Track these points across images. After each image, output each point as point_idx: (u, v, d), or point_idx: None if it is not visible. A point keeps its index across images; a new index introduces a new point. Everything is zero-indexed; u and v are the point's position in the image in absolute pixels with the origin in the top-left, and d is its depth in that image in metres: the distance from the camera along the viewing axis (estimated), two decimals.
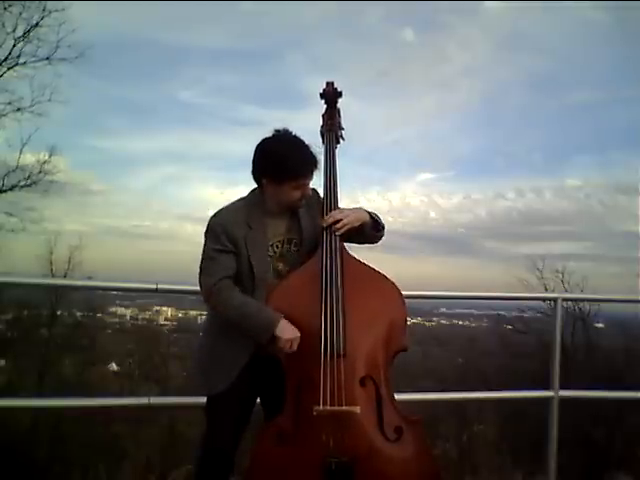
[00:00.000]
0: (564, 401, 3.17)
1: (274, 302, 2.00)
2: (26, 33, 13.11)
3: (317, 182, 2.19)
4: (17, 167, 13.75)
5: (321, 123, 2.31)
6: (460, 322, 26.58)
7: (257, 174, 2.07)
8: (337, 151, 2.26)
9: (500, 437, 13.87)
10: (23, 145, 13.85)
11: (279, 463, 1.95)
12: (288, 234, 2.12)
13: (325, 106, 2.32)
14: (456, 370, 16.95)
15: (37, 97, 13.43)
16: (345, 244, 2.16)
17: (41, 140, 20.27)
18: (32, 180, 13.77)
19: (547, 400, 3.17)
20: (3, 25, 12.86)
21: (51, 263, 15.75)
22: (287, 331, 1.92)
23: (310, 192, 2.12)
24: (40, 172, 13.89)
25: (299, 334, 1.94)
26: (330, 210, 2.12)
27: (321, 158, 2.16)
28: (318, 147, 2.19)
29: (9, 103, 13.24)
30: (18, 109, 13.33)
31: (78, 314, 17.01)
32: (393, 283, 2.10)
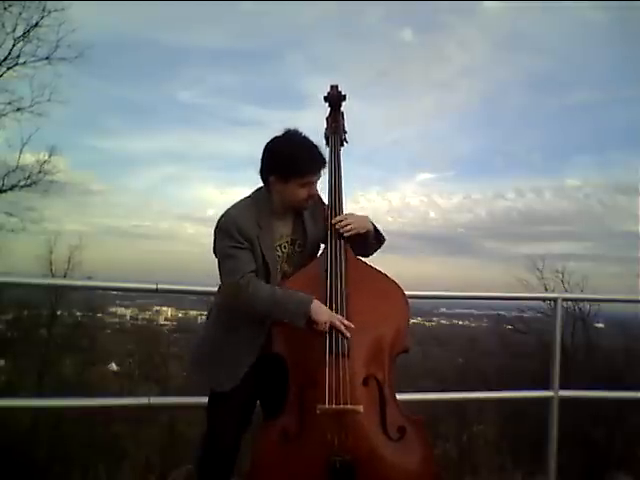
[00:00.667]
0: (564, 401, 3.17)
1: None
2: (26, 33, 13.13)
3: (322, 184, 2.21)
4: (17, 167, 13.78)
5: (325, 126, 2.32)
6: (460, 322, 26.60)
7: (264, 172, 2.07)
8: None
9: (500, 437, 13.87)
10: (23, 145, 13.88)
11: (282, 462, 1.95)
12: (293, 235, 2.14)
13: (329, 109, 2.33)
14: (456, 370, 16.95)
15: (37, 97, 13.46)
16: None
17: (41, 140, 20.30)
18: (32, 180, 13.80)
19: (547, 400, 3.17)
20: (3, 25, 12.88)
21: (51, 263, 15.79)
22: (322, 312, 1.93)
23: (317, 192, 2.12)
24: (40, 172, 13.92)
25: (337, 316, 1.94)
26: (336, 212, 2.13)
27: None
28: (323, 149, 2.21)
29: (9, 103, 13.27)
30: (18, 109, 13.36)
31: (78, 314, 17.01)
32: (397, 284, 2.11)
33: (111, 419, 12.06)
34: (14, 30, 12.94)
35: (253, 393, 2.12)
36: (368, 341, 1.99)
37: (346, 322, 1.94)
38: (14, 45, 13.09)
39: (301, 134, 2.08)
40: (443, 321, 27.18)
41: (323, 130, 2.32)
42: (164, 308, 24.31)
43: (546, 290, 14.43)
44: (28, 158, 14.27)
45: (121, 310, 23.26)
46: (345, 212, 2.16)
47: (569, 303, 12.49)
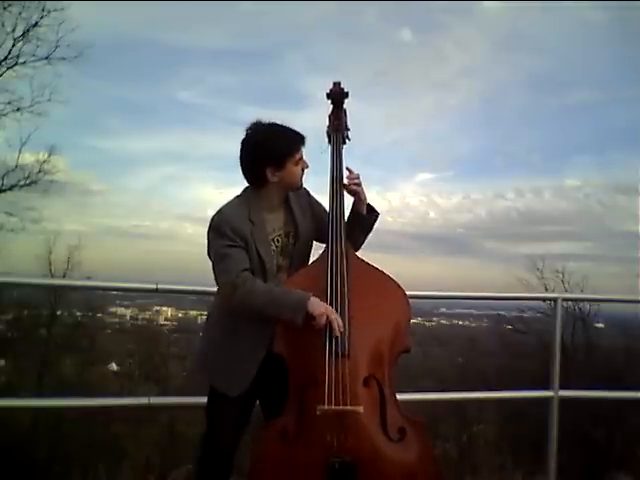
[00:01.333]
0: (564, 401, 3.16)
1: None
2: (25, 33, 13.13)
3: (323, 183, 2.20)
4: (17, 167, 13.79)
5: (327, 123, 2.30)
6: (460, 322, 26.59)
7: (257, 170, 2.07)
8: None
9: (500, 437, 13.87)
10: (22, 145, 13.88)
11: (282, 462, 1.95)
12: (286, 228, 2.14)
13: (331, 106, 2.31)
14: (456, 370, 16.94)
15: (37, 97, 13.47)
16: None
17: (41, 140, 20.24)
18: (32, 180, 13.80)
19: (547, 400, 3.16)
20: (3, 25, 12.89)
21: (50, 263, 15.77)
22: (318, 306, 1.92)
23: (308, 165, 2.13)
24: (40, 172, 13.93)
25: (332, 309, 1.94)
26: (336, 210, 2.12)
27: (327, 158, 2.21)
28: (324, 146, 2.24)
29: (9, 103, 13.27)
30: (18, 109, 13.36)
31: (78, 314, 17.00)
32: (397, 284, 2.10)
33: (111, 419, 12.05)
34: (14, 30, 12.97)
35: (253, 393, 2.11)
36: (369, 341, 1.99)
37: (340, 322, 1.93)
38: (14, 45, 13.12)
39: (269, 122, 2.09)
40: (443, 321, 27.17)
41: (324, 129, 2.30)
42: (164, 308, 24.31)
43: (546, 290, 14.43)
44: (28, 158, 14.30)
45: (121, 310, 23.25)
46: (347, 212, 2.17)
47: (569, 303, 12.48)
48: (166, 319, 24.34)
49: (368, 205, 2.20)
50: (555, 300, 3.34)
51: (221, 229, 2.00)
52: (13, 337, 15.68)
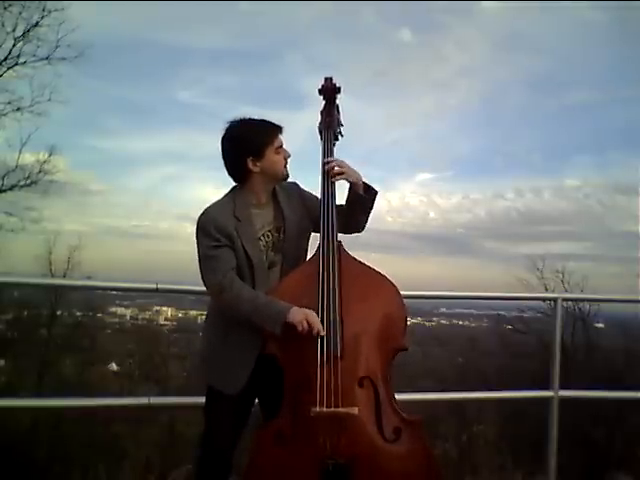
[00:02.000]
0: (564, 401, 3.16)
1: None
2: (26, 33, 13.12)
3: (313, 180, 2.20)
4: (17, 167, 13.78)
5: (319, 120, 2.27)
6: (460, 322, 26.58)
7: (238, 163, 2.07)
8: (336, 149, 2.24)
9: (500, 437, 13.85)
10: (23, 145, 13.87)
11: (277, 464, 1.94)
12: (276, 223, 2.13)
13: (323, 102, 2.28)
14: (456, 370, 16.93)
15: (37, 97, 13.46)
16: (345, 240, 2.15)
17: (41, 140, 20.28)
18: (32, 180, 13.80)
19: (547, 400, 3.16)
20: (3, 25, 12.87)
21: (50, 263, 15.76)
22: (297, 314, 1.91)
23: (290, 153, 2.13)
24: (40, 172, 13.92)
25: (311, 312, 1.92)
26: (328, 206, 2.11)
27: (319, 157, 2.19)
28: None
29: (9, 103, 13.27)
30: (18, 109, 13.36)
31: (78, 314, 16.98)
32: (391, 282, 2.08)
33: (111, 419, 12.05)
34: (14, 30, 12.96)
35: (251, 392, 2.12)
36: (362, 341, 1.97)
37: (319, 325, 1.91)
38: (14, 45, 13.11)
39: (242, 117, 2.11)
40: (443, 321, 27.17)
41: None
42: (164, 308, 24.29)
43: (546, 290, 14.43)
44: (28, 158, 14.29)
45: (121, 310, 23.24)
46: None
47: (569, 303, 12.48)
48: (166, 319, 24.33)
49: (365, 184, 2.18)
50: (555, 300, 3.33)
51: (206, 228, 2.01)
52: (13, 337, 15.68)
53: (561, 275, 15.37)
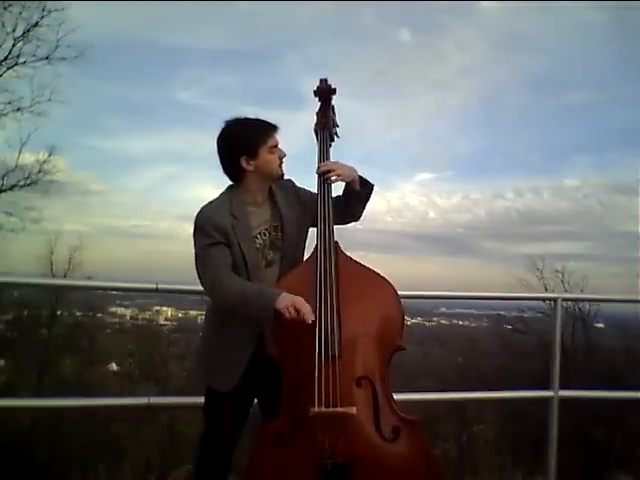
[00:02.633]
0: (564, 401, 3.16)
1: None
2: (26, 33, 13.13)
3: (312, 180, 2.19)
4: (16, 167, 13.79)
5: (315, 121, 2.27)
6: (460, 322, 26.59)
7: (232, 163, 2.07)
8: (333, 150, 2.25)
9: (500, 437, 13.86)
10: (22, 145, 13.88)
11: (276, 464, 1.94)
12: (273, 221, 2.13)
13: (319, 103, 2.28)
14: (456, 370, 16.94)
15: (37, 97, 13.46)
16: (344, 240, 2.15)
17: (41, 140, 20.28)
18: (32, 180, 13.81)
19: (547, 400, 3.16)
20: (3, 25, 12.88)
21: (51, 263, 15.78)
22: (283, 299, 1.87)
23: (285, 153, 2.13)
24: (40, 172, 13.94)
25: (299, 298, 1.88)
26: (324, 209, 2.11)
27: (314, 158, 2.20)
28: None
29: (9, 103, 13.28)
30: (18, 109, 13.37)
31: (78, 314, 16.99)
32: (389, 282, 2.08)
33: (111, 419, 12.05)
34: (14, 30, 12.97)
35: (249, 393, 2.12)
36: (360, 341, 1.97)
37: (308, 308, 1.87)
38: (14, 45, 13.11)
39: (238, 117, 2.11)
40: (443, 321, 27.18)
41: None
42: (164, 308, 24.30)
43: (546, 290, 14.44)
44: (28, 158, 14.30)
45: (121, 310, 23.25)
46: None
47: (569, 303, 12.48)
48: (166, 319, 24.33)
49: (361, 178, 2.19)
50: (555, 300, 3.34)
51: (202, 226, 2.02)
52: (13, 337, 15.68)
53: (561, 275, 15.41)
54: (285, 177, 2.18)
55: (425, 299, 4.19)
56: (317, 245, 2.08)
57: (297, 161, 2.19)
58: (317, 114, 2.28)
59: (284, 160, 2.14)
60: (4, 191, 13.62)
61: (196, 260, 2.05)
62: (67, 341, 15.29)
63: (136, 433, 12.68)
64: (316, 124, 2.27)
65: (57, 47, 13.31)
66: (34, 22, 13.08)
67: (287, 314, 1.86)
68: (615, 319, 14.21)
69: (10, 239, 14.17)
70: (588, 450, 11.50)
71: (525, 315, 15.35)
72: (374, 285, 2.08)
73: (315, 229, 2.14)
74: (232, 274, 2.00)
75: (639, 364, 12.05)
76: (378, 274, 2.09)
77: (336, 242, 2.10)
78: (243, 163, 2.06)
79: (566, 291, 13.51)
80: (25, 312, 15.79)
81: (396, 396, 2.03)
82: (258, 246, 2.08)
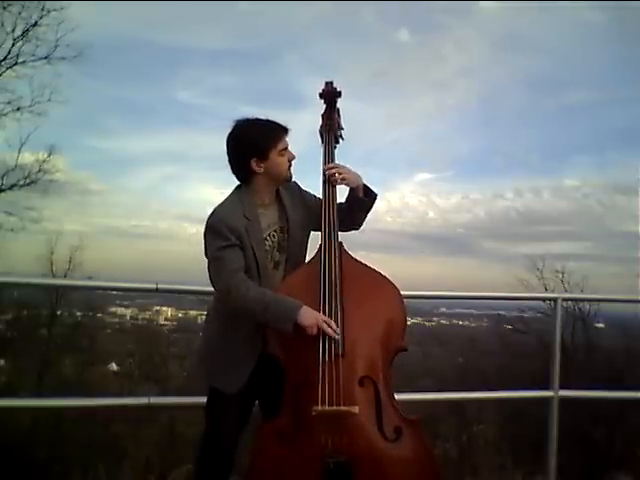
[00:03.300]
0: (564, 401, 3.16)
1: None
2: (25, 32, 13.11)
3: (314, 182, 2.20)
4: (16, 166, 13.77)
5: (320, 123, 2.28)
6: (460, 322, 26.60)
7: (242, 164, 2.08)
8: (336, 151, 2.25)
9: (500, 437, 13.86)
10: (22, 144, 13.86)
11: (278, 463, 1.94)
12: (280, 223, 2.14)
13: (324, 106, 2.29)
14: (456, 370, 16.95)
15: (36, 97, 13.44)
16: (346, 240, 2.16)
17: (40, 140, 20.25)
18: (31, 180, 13.79)
19: (547, 400, 3.16)
20: (2, 24, 12.86)
21: (51, 263, 15.79)
22: (308, 317, 1.91)
23: (294, 155, 2.13)
24: (39, 172, 13.91)
25: (321, 316, 1.93)
26: (329, 209, 2.12)
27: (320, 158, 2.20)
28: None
29: (8, 102, 13.25)
30: (17, 108, 13.34)
31: (78, 314, 17.00)
32: (392, 283, 2.09)
33: (111, 419, 12.05)
34: (13, 30, 12.94)
35: (252, 392, 2.12)
36: (363, 341, 1.98)
37: (333, 325, 1.93)
38: (13, 44, 13.09)
39: (249, 117, 2.11)
40: (443, 321, 27.19)
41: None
42: (164, 308, 24.30)
43: (546, 290, 14.44)
44: (27, 157, 14.29)
45: (121, 310, 23.26)
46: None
47: (569, 303, 12.48)
48: (166, 319, 24.34)
49: (365, 187, 2.20)
50: (555, 300, 3.33)
51: (217, 228, 2.01)
52: (13, 337, 15.68)
53: (561, 275, 15.41)
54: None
55: (425, 299, 4.20)
56: (321, 245, 2.09)
57: (298, 161, 2.19)
58: (322, 116, 2.29)
59: (293, 162, 2.14)
60: (4, 191, 13.62)
61: (209, 262, 2.05)
62: (67, 341, 15.30)
63: (136, 433, 12.68)
64: (321, 126, 2.28)
65: (56, 47, 13.30)
66: (33, 22, 13.07)
67: (313, 332, 1.91)
68: (615, 319, 14.22)
69: (10, 239, 14.17)
70: (588, 450, 11.51)
71: (525, 315, 15.36)
72: (378, 286, 2.09)
73: (316, 233, 2.16)
74: (246, 279, 2.00)
75: (639, 364, 12.04)
76: (382, 274, 2.10)
77: (340, 242, 2.11)
78: (253, 165, 2.06)
79: (566, 291, 13.50)
80: (25, 312, 15.79)
81: (396, 396, 2.04)
82: (268, 248, 2.09)
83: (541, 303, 12.25)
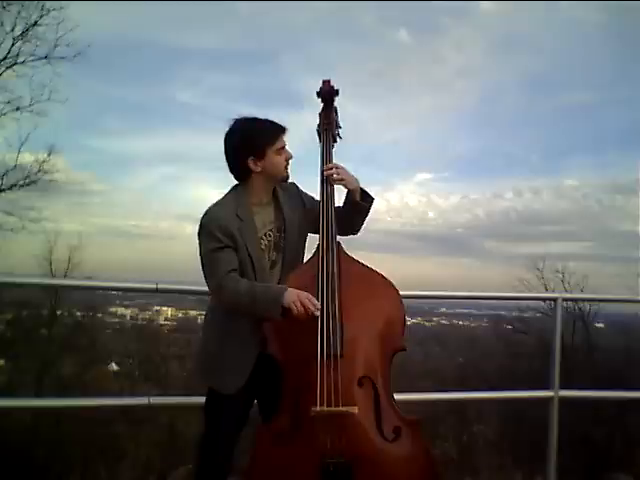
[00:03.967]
0: (564, 401, 3.16)
1: None
2: (25, 32, 13.07)
3: (313, 181, 2.20)
4: (16, 166, 13.75)
5: (318, 122, 2.27)
6: (460, 322, 26.63)
7: (240, 161, 2.07)
8: (334, 150, 2.24)
9: (500, 437, 13.88)
10: (22, 144, 13.84)
11: (278, 464, 1.94)
12: (277, 222, 2.14)
13: (322, 104, 2.27)
14: (456, 370, 16.97)
15: (36, 96, 13.41)
16: (345, 239, 2.16)
17: (40, 139, 20.33)
18: (31, 179, 13.75)
19: (547, 400, 3.16)
20: (2, 24, 12.81)
21: (51, 263, 15.80)
22: (289, 296, 1.90)
23: (292, 154, 2.13)
24: (39, 171, 13.88)
25: (303, 292, 1.91)
26: (327, 209, 2.11)
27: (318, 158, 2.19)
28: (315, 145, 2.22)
29: (8, 102, 13.21)
30: (17, 108, 13.30)
31: (78, 314, 17.01)
32: (391, 283, 2.08)
33: (111, 419, 12.06)
34: (13, 29, 12.91)
35: (250, 393, 2.11)
36: (362, 341, 1.98)
37: (314, 300, 1.91)
38: (13, 44, 13.05)
39: (247, 116, 2.11)
40: (443, 321, 27.24)
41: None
42: (164, 308, 24.35)
43: (546, 290, 14.45)
44: (27, 157, 14.27)
45: (121, 310, 23.29)
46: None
47: (569, 303, 12.49)
48: (166, 319, 24.38)
49: (362, 190, 2.19)
50: (555, 300, 3.33)
51: (208, 229, 2.01)
52: (13, 337, 15.68)
53: (561, 275, 15.44)
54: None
55: (425, 299, 4.19)
56: (319, 245, 2.08)
57: (297, 161, 2.19)
58: (320, 115, 2.27)
59: (290, 162, 2.13)
60: (3, 190, 13.58)
61: (202, 262, 2.05)
62: (67, 341, 15.30)
63: (136, 433, 12.69)
64: (319, 125, 2.26)
65: (56, 46, 13.26)
66: (33, 21, 13.03)
67: (294, 309, 1.88)
68: (615, 319, 14.25)
69: (10, 239, 14.14)
70: (588, 450, 11.52)
71: (525, 315, 15.39)
72: (376, 285, 2.08)
73: (314, 235, 2.15)
74: (237, 277, 2.00)
75: (639, 364, 12.04)
76: (380, 274, 2.09)
77: (338, 242, 2.11)
78: (250, 163, 2.06)
79: (566, 291, 13.51)
80: (25, 312, 15.81)
81: (396, 396, 2.03)
82: (264, 247, 2.09)
83: (541, 303, 12.29)
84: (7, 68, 13.11)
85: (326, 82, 2.26)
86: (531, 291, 13.47)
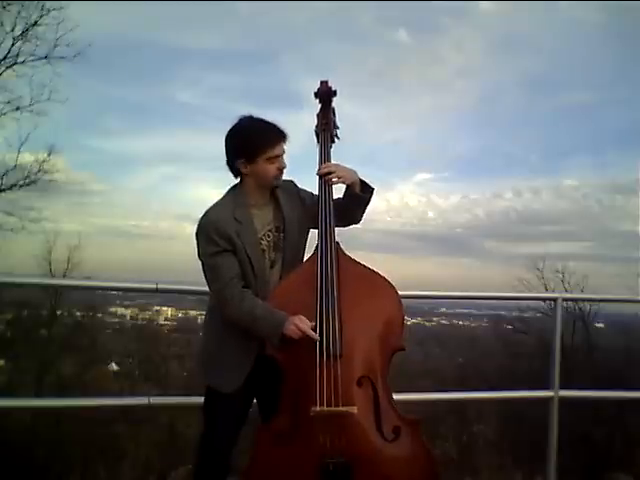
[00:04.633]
0: (564, 401, 3.16)
1: (273, 304, 1.99)
2: (25, 32, 13.06)
3: (312, 181, 2.19)
4: (16, 166, 13.74)
5: (315, 122, 2.27)
6: (460, 322, 26.64)
7: (232, 161, 2.07)
8: (333, 150, 2.24)
9: (500, 437, 13.88)
10: (22, 144, 13.84)
11: (277, 464, 1.94)
12: (276, 223, 2.13)
13: (319, 105, 2.27)
14: (456, 370, 16.97)
15: (36, 96, 13.40)
16: (345, 239, 2.15)
17: (40, 139, 20.35)
18: (31, 179, 13.75)
19: (547, 400, 3.16)
20: (2, 24, 12.80)
21: (50, 263, 15.81)
22: (289, 326, 1.91)
23: (285, 164, 2.11)
24: (39, 171, 13.87)
25: (299, 318, 1.92)
26: (325, 210, 2.11)
27: (316, 158, 2.19)
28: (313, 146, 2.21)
29: (8, 102, 13.20)
30: (17, 108, 13.29)
31: (78, 314, 17.02)
32: (390, 283, 2.08)
33: (111, 419, 12.06)
34: (13, 29, 12.90)
35: (249, 392, 2.12)
36: (361, 341, 1.98)
37: (312, 333, 1.91)
38: (13, 44, 13.05)
39: (254, 116, 2.09)
40: (443, 321, 27.24)
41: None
42: (164, 308, 24.34)
43: (546, 290, 14.45)
44: (27, 157, 14.26)
45: (121, 310, 23.28)
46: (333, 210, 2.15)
47: (569, 303, 12.48)
48: (166, 319, 24.38)
49: (362, 182, 2.18)
50: (555, 300, 3.33)
51: (206, 233, 2.00)
52: (13, 337, 15.69)
53: (561, 275, 15.44)
54: (286, 178, 2.17)
55: (425, 299, 4.18)
56: (318, 245, 2.07)
57: (296, 161, 2.19)
58: (318, 116, 2.27)
59: (284, 171, 2.11)
60: (3, 190, 13.57)
61: (202, 265, 2.05)
62: (67, 341, 15.31)
63: (136, 433, 12.69)
64: (317, 126, 2.26)
65: (56, 46, 13.24)
66: (33, 21, 13.02)
67: (295, 336, 1.90)
68: (615, 319, 14.25)
69: (9, 239, 14.14)
70: (588, 450, 11.52)
71: (525, 315, 15.39)
72: (375, 285, 2.08)
73: (316, 231, 2.14)
74: (241, 289, 1.99)
75: (639, 364, 12.04)
76: (379, 274, 2.09)
77: (337, 243, 2.10)
78: (240, 165, 2.05)
79: (566, 291, 13.51)
80: (25, 312, 15.82)
81: (396, 396, 2.03)
82: (264, 248, 2.08)
83: (541, 303, 12.29)
84: (7, 68, 13.11)
85: (324, 83, 2.26)
86: (531, 291, 13.47)
